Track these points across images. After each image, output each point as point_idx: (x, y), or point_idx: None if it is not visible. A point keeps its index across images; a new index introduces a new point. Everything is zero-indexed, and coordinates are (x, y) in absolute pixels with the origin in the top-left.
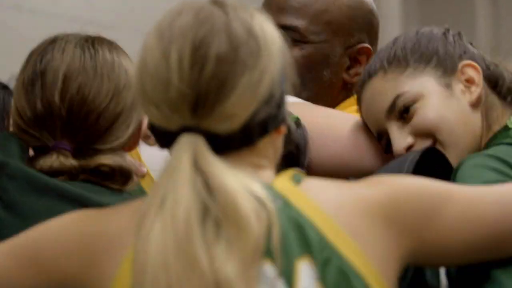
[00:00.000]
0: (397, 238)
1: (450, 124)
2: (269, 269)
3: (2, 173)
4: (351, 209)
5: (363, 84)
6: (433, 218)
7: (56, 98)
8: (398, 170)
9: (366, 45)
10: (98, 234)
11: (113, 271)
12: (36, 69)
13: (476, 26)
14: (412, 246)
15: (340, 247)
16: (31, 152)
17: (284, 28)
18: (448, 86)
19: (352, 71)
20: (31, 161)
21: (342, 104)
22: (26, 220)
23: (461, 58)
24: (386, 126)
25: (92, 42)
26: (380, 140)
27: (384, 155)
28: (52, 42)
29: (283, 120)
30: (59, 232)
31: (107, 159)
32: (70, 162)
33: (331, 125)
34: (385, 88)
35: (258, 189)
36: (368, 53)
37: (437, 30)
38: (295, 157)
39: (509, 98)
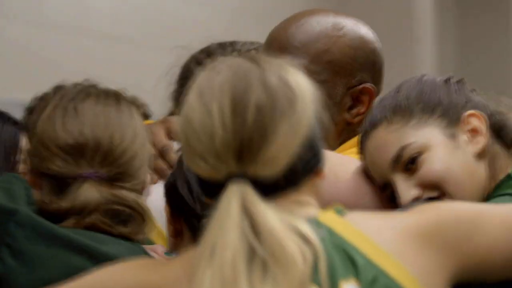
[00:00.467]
0: (441, 259)
1: (456, 176)
2: None
3: (11, 220)
4: (395, 233)
5: (366, 134)
6: (473, 237)
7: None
8: None
9: (369, 85)
10: (154, 285)
11: None
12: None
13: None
14: (456, 265)
15: (386, 267)
16: (36, 193)
17: None
18: (452, 136)
19: (354, 111)
20: (45, 202)
21: (343, 146)
22: (35, 268)
23: (464, 107)
24: (391, 177)
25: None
26: (385, 189)
27: (383, 202)
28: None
29: (321, 162)
30: (115, 280)
31: (133, 196)
32: (102, 191)
33: (331, 169)
34: (389, 140)
35: (303, 226)
36: (370, 93)
37: (440, 78)
38: None
39: None
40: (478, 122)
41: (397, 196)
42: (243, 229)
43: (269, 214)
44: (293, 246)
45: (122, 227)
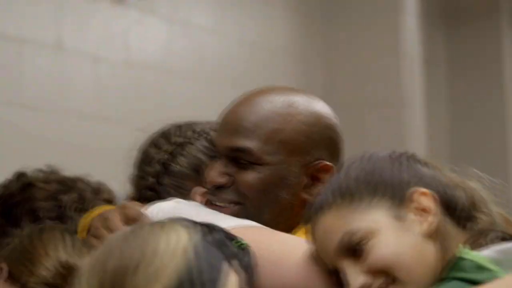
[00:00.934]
0: None
1: (405, 260)
2: None
3: None
4: None
5: (314, 218)
6: None
7: None
8: None
9: (326, 162)
10: None
11: None
12: None
13: (503, 62)
14: None
15: None
16: None
17: (238, 150)
18: (399, 217)
19: (313, 190)
20: None
21: (302, 225)
22: None
23: (411, 184)
24: (338, 263)
25: None
26: (335, 274)
27: (335, 287)
28: None
29: None
30: None
31: None
32: None
33: (285, 252)
34: (336, 225)
35: None
36: (328, 170)
37: (387, 155)
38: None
39: (466, 224)
40: (427, 200)
41: (345, 283)
42: None
43: None
44: None
45: None
